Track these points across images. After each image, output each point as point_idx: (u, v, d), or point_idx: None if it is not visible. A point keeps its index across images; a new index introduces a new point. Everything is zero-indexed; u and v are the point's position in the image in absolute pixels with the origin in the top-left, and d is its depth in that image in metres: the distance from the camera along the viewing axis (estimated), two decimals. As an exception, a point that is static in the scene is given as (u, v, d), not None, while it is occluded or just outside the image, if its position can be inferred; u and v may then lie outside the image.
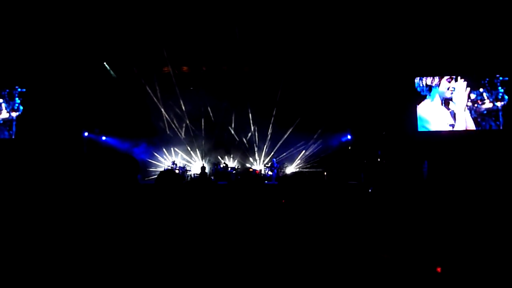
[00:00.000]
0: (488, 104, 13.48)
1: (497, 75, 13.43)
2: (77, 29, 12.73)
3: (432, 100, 13.93)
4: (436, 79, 13.92)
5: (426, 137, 13.98)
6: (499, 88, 13.44)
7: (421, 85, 14.02)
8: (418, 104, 14.04)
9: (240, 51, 14.18)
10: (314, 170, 15.88)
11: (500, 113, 13.35)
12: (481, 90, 13.58)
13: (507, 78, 13.35)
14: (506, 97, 13.35)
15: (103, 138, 16.05)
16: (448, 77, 13.83)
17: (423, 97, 14.00)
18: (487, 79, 13.56)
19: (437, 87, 13.95)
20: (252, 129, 16.64)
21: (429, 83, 13.93)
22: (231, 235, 2.47)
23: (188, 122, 16.65)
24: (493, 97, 13.43)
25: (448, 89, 13.80)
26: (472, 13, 11.68)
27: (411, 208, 2.33)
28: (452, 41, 12.71)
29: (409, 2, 11.45)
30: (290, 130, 16.18)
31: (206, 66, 15.74)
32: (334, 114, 15.42)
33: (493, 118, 13.41)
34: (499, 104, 13.39)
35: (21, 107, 14.67)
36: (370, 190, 11.97)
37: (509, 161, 10.76)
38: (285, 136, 16.34)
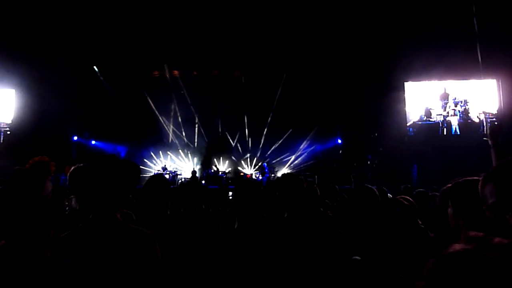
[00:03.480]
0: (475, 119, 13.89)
1: None
2: (68, 33, 12.65)
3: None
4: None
5: (416, 141, 14.11)
6: None
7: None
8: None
9: (231, 56, 14.22)
10: (303, 174, 15.90)
11: (483, 123, 13.72)
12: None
13: None
14: None
15: (93, 142, 15.90)
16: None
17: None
18: None
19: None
20: (246, 133, 16.65)
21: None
22: (223, 242, 2.46)
23: (179, 126, 16.58)
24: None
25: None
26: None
27: (401, 212, 2.34)
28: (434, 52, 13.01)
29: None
30: (283, 138, 16.22)
31: (197, 70, 15.73)
32: (325, 119, 15.51)
33: (481, 128, 13.74)
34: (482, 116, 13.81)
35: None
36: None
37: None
38: (280, 142, 16.37)
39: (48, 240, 1.39)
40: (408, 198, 2.45)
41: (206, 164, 16.59)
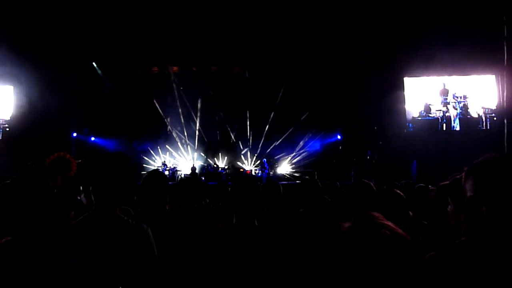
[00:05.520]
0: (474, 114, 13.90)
1: None
2: (67, 29, 12.60)
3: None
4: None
5: (416, 136, 14.09)
6: None
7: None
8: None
9: (232, 52, 14.18)
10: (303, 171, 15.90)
11: (482, 119, 13.70)
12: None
13: None
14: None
15: (92, 138, 15.88)
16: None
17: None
18: None
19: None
20: (248, 129, 16.63)
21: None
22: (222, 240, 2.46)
23: (179, 122, 16.56)
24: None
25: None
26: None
27: (399, 207, 2.35)
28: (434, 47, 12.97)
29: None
30: (285, 135, 16.21)
31: (196, 66, 15.69)
32: (325, 115, 15.52)
33: (480, 124, 13.73)
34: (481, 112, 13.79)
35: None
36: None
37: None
38: (281, 139, 16.37)
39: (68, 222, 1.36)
40: (398, 191, 2.49)
41: (205, 160, 16.59)
